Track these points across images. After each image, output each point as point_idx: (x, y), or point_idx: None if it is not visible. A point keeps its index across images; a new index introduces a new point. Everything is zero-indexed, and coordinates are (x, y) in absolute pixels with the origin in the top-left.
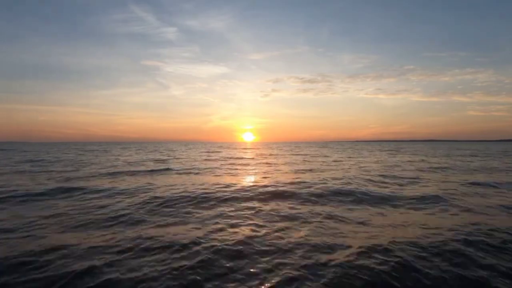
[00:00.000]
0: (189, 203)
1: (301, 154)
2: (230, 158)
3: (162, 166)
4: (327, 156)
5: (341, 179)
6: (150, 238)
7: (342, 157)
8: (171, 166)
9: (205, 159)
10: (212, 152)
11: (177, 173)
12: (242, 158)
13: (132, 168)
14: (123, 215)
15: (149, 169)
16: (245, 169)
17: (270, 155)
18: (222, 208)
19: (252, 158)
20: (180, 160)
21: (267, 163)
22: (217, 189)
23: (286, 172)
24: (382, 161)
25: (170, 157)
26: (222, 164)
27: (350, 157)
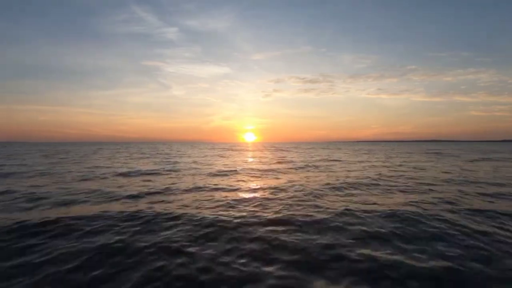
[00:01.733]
0: None
1: (333, 160)
2: (243, 170)
3: (137, 196)
4: (366, 161)
5: None
6: None
7: (404, 163)
8: (150, 201)
9: (209, 173)
10: (215, 156)
11: (154, 222)
12: (263, 170)
13: (70, 208)
14: None
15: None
16: (286, 197)
17: (289, 162)
18: None
19: (284, 172)
20: (172, 171)
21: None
22: None
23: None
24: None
25: (162, 165)
26: (233, 189)
27: (404, 163)
